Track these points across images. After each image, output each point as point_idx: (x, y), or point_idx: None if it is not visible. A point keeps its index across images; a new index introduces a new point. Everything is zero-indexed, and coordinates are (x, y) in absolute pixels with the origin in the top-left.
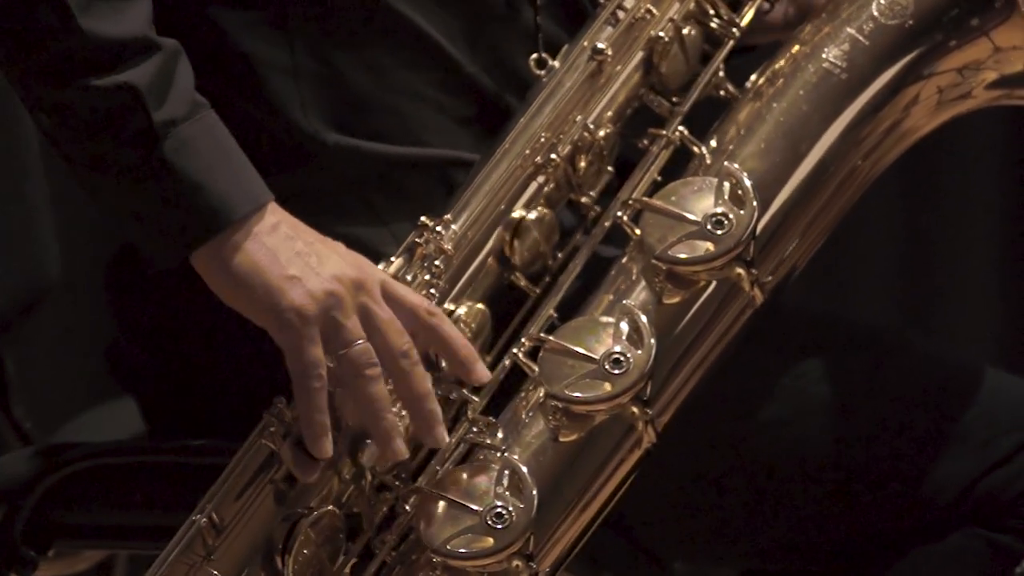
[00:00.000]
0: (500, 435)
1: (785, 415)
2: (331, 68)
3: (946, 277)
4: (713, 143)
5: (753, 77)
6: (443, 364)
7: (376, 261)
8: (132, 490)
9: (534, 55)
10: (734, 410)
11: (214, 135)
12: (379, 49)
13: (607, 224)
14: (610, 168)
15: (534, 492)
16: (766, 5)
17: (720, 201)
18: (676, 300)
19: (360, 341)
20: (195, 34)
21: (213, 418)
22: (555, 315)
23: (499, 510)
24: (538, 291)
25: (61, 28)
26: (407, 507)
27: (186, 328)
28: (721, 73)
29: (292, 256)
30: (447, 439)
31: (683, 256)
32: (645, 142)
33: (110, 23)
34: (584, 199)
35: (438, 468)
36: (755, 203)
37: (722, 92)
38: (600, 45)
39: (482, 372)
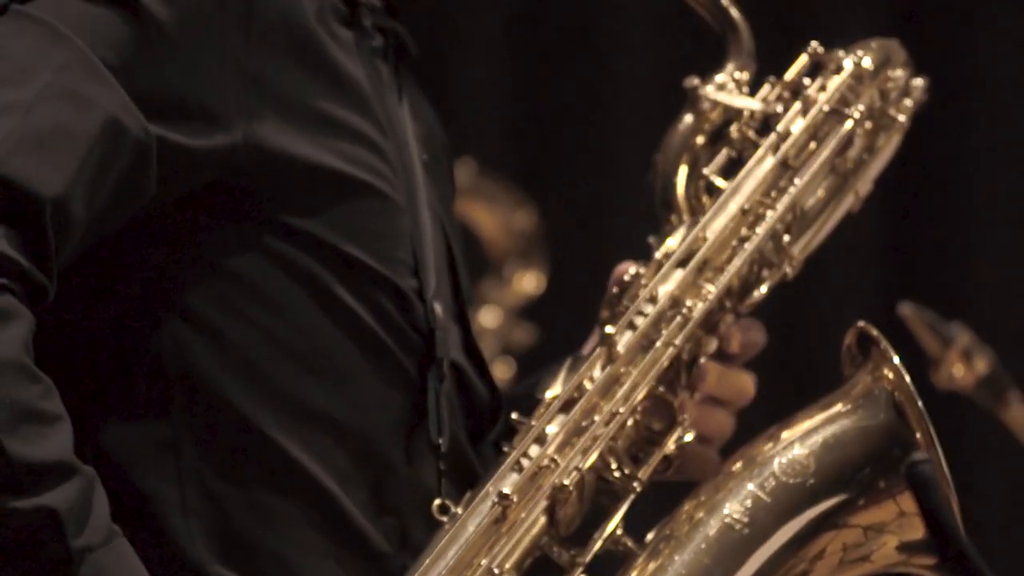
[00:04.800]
0: None
1: None
2: (219, 506)
3: None
4: None
5: (652, 533)
6: None
7: None
8: None
9: (437, 500)
10: None
11: (128, 563)
12: (267, 492)
13: None
14: None
15: None
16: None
17: None
18: None
19: None
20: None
21: None
22: None
23: None
24: None
25: None
26: None
27: None
28: (619, 531)
29: None
30: None
31: None
32: None
33: (34, 446)
34: None
35: None
36: None
37: (620, 547)
38: (506, 490)
39: None
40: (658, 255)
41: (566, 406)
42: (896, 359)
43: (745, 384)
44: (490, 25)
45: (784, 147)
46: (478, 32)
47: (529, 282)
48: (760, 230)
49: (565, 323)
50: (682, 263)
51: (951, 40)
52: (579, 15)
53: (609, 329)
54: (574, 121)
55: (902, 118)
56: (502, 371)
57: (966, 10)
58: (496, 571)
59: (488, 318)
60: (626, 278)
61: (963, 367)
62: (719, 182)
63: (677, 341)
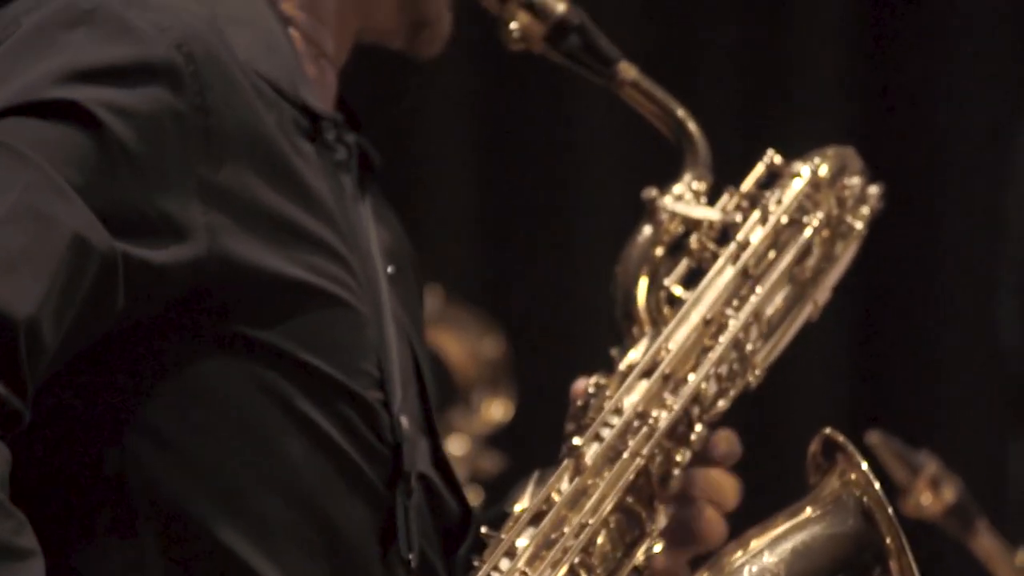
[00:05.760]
0: None
1: None
2: None
3: None
4: None
5: None
6: None
7: None
8: None
9: None
10: None
11: None
12: None
13: None
14: None
15: None
16: None
17: None
18: None
19: None
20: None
21: None
22: None
23: None
24: None
25: None
26: None
27: None
28: None
29: None
30: None
31: None
32: None
33: None
34: None
35: None
36: None
37: None
38: None
39: None
40: (622, 367)
41: (535, 519)
42: (864, 464)
43: (732, 485)
44: (454, 154)
45: (744, 257)
46: (442, 162)
47: (497, 410)
48: (723, 340)
49: (533, 451)
50: (646, 374)
51: (912, 148)
52: (542, 147)
53: (576, 441)
54: (541, 249)
55: (859, 226)
56: (470, 499)
57: (925, 123)
58: None
59: (456, 446)
60: (590, 390)
61: (931, 496)
62: (680, 292)
63: (644, 452)
